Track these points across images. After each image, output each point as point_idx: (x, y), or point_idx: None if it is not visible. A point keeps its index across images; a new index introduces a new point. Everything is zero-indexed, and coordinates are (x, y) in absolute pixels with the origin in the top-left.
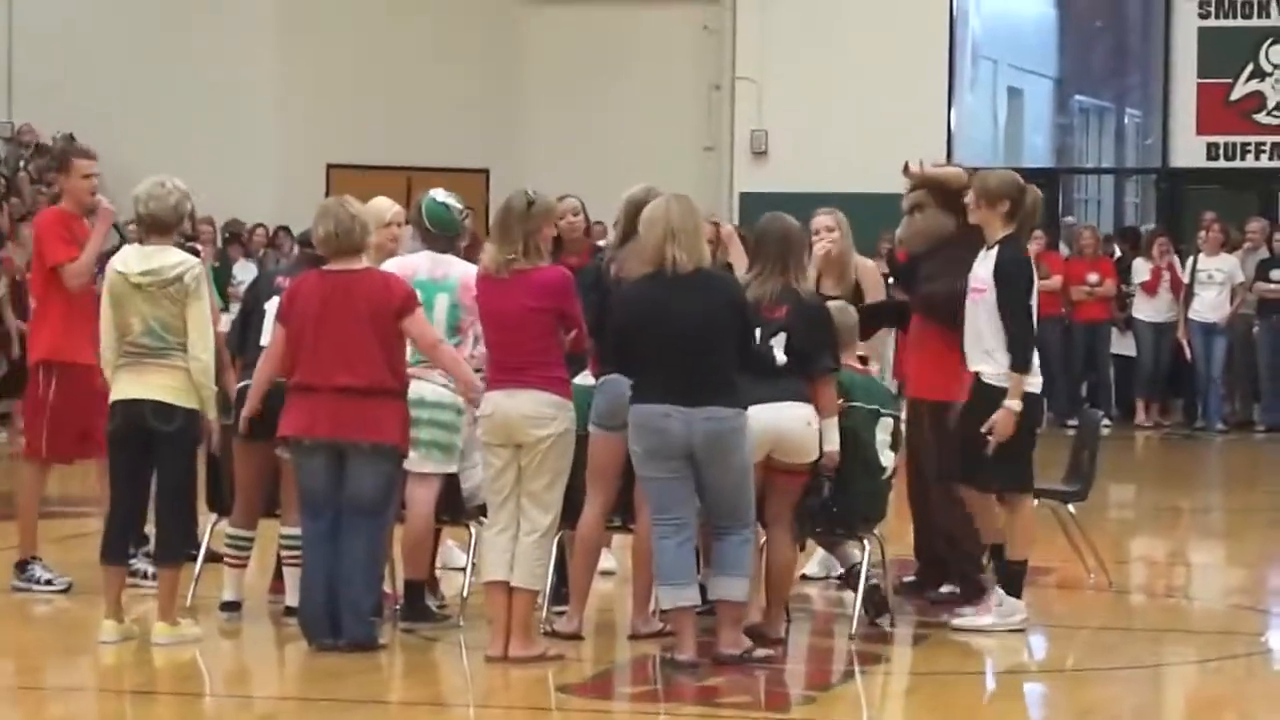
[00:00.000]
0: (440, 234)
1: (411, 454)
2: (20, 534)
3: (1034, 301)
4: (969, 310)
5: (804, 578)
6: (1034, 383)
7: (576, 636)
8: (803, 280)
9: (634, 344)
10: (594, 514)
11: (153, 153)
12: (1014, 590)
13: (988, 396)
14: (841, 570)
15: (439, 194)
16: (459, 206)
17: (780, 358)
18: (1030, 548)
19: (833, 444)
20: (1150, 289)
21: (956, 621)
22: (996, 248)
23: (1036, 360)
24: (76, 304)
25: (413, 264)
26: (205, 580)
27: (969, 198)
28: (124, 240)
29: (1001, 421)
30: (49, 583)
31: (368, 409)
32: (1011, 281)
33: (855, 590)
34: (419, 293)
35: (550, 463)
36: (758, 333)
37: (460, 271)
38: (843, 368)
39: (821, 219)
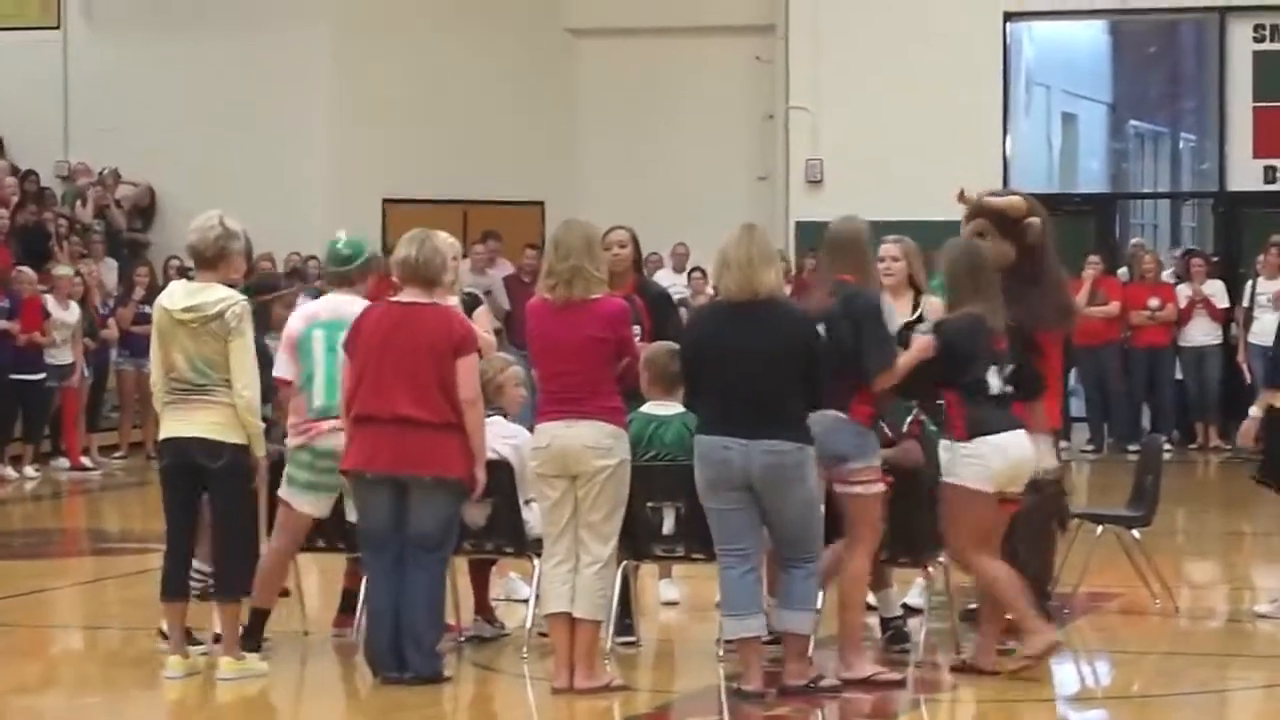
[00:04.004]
0: (335, 271)
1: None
2: None
3: None
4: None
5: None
6: None
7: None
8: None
9: (695, 374)
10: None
11: (206, 190)
12: None
13: None
14: (891, 615)
15: (339, 235)
16: (356, 242)
17: (1001, 388)
18: None
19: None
20: (1184, 317)
21: (1259, 609)
22: None
23: None
24: None
25: (314, 308)
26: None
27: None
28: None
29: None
30: None
31: (429, 442)
32: None
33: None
34: (323, 333)
35: (609, 493)
36: (993, 369)
37: (354, 312)
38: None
39: (887, 248)
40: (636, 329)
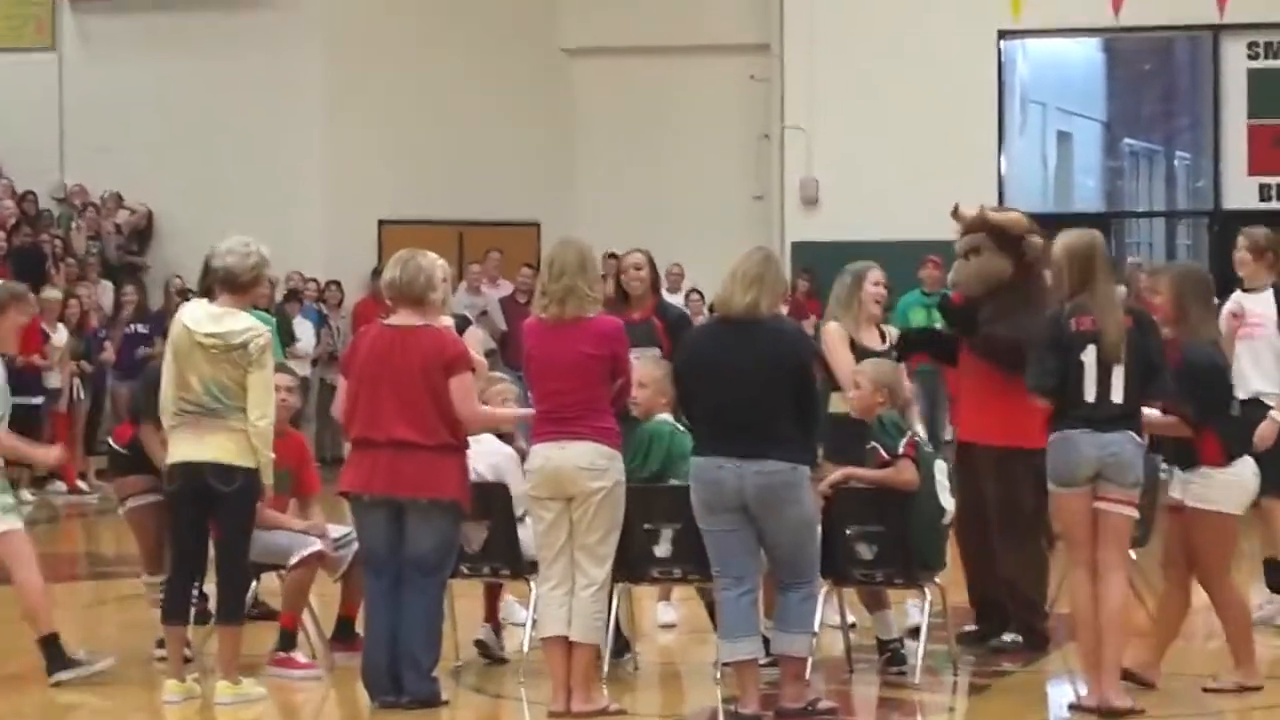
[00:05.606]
0: None
1: None
2: None
3: None
4: (1244, 344)
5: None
6: None
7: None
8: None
9: (688, 394)
10: (1078, 577)
11: (201, 212)
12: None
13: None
14: (889, 637)
15: None
16: None
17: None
18: None
19: None
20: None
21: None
22: (1270, 289)
23: None
24: None
25: None
26: (260, 638)
27: (1238, 251)
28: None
29: (1265, 430)
30: None
31: (425, 464)
32: None
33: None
34: None
35: (604, 515)
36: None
37: None
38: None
39: (877, 275)
40: (656, 351)
